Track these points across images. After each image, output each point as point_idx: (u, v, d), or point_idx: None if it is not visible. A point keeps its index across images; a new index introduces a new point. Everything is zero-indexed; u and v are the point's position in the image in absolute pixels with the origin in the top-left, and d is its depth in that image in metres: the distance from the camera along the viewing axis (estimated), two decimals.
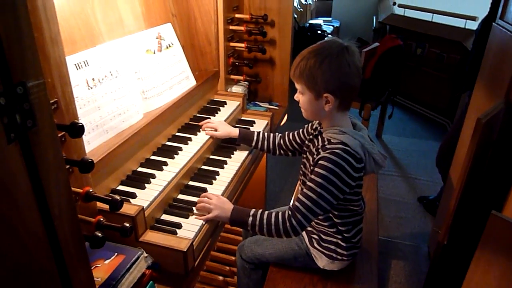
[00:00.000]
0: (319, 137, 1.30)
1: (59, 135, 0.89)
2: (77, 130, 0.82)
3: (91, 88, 1.18)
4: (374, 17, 5.13)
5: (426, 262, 2.33)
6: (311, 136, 1.37)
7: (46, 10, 0.83)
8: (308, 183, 1.19)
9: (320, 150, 1.24)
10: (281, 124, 2.19)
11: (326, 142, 1.23)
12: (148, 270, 1.05)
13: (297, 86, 1.24)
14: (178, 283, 1.11)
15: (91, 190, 0.93)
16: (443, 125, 3.97)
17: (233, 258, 2.06)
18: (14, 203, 0.48)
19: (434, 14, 3.92)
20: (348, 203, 1.29)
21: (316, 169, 1.19)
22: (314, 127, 1.40)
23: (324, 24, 5.32)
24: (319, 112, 1.24)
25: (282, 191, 3.02)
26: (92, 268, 0.96)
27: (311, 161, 1.27)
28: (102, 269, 0.97)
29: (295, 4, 4.94)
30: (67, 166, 0.90)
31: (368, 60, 3.21)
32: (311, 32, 4.70)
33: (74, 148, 0.93)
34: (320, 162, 1.18)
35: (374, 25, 4.97)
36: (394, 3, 4.46)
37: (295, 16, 4.74)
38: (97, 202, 1.05)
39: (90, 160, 0.86)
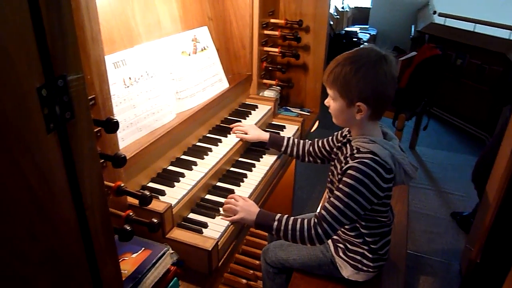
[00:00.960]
0: (348, 145, 1.28)
1: (95, 130, 0.92)
2: (112, 125, 0.86)
3: (128, 86, 1.22)
4: (413, 26, 5.01)
5: (457, 280, 2.24)
6: (339, 144, 1.35)
7: (89, 10, 0.87)
8: (335, 192, 1.18)
9: (348, 158, 1.22)
10: (312, 130, 2.17)
11: (355, 151, 1.22)
12: (173, 266, 1.06)
13: (329, 91, 1.23)
14: (201, 281, 1.13)
15: (122, 185, 0.96)
16: (481, 139, 3.82)
17: (258, 262, 2.06)
18: (49, 190, 0.50)
19: (477, 24, 3.78)
20: (376, 214, 1.26)
21: (344, 178, 1.17)
22: (343, 134, 1.38)
23: (360, 32, 5.26)
24: (350, 120, 1.23)
25: (310, 199, 2.99)
26: (119, 260, 1.00)
27: (338, 169, 1.26)
28: (129, 262, 1.00)
29: (332, 11, 4.91)
30: (101, 161, 0.94)
31: (404, 69, 3.14)
32: (346, 39, 4.66)
33: (109, 143, 0.97)
34: (349, 171, 1.17)
35: (412, 34, 4.85)
36: (435, 12, 4.34)
37: (331, 22, 4.71)
38: (128, 197, 1.08)
39: (123, 156, 0.89)
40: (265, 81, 1.99)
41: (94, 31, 0.88)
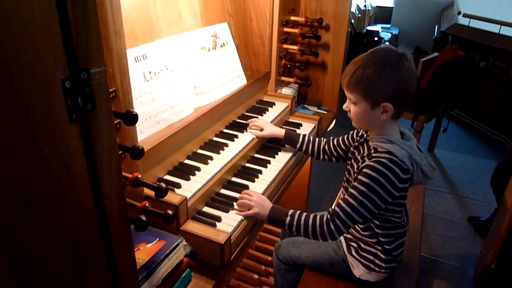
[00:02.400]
0: (365, 144, 1.28)
1: (115, 122, 0.95)
2: (132, 118, 0.88)
3: (148, 80, 1.25)
4: (436, 26, 4.92)
5: (471, 286, 2.21)
6: (356, 143, 1.35)
7: (112, 5, 0.89)
8: (350, 189, 1.18)
9: (365, 158, 1.22)
10: (328, 129, 2.17)
11: (372, 151, 1.21)
12: (186, 258, 1.09)
13: (349, 95, 1.22)
14: (213, 274, 1.15)
15: (139, 176, 0.98)
16: (502, 143, 3.73)
17: (270, 258, 2.07)
18: (70, 177, 0.52)
19: (502, 26, 3.69)
20: (390, 213, 1.26)
21: (359, 176, 1.17)
22: (360, 134, 1.38)
23: (382, 31, 5.19)
24: (373, 121, 1.21)
25: (324, 197, 2.98)
26: (134, 249, 1.02)
27: (355, 169, 1.26)
28: (143, 252, 1.02)
29: (353, 10, 4.86)
30: (120, 152, 0.96)
31: (425, 70, 3.10)
32: (367, 39, 4.61)
33: (128, 135, 0.99)
34: (365, 170, 1.16)
35: (435, 35, 4.76)
36: (459, 13, 4.24)
37: (352, 21, 4.67)
38: (144, 189, 1.11)
39: (141, 148, 0.92)
40: (283, 78, 2.00)
41: (117, 26, 0.91)
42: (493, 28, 3.78)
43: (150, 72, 1.26)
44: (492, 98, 3.81)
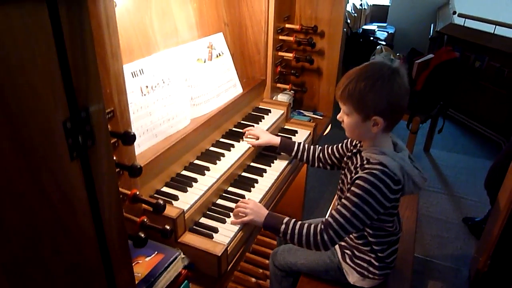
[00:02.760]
0: (358, 155, 1.31)
1: (112, 141, 0.97)
2: (129, 138, 0.90)
3: (145, 95, 1.27)
4: (432, 25, 4.95)
5: (465, 286, 2.25)
6: (349, 154, 1.38)
7: (109, 27, 0.91)
8: (343, 200, 1.21)
9: (358, 169, 1.25)
10: (325, 133, 2.20)
11: (365, 162, 1.24)
12: (184, 270, 1.11)
13: (343, 107, 1.25)
14: (211, 284, 1.18)
15: (137, 193, 1.01)
16: (498, 143, 3.77)
17: (267, 261, 2.11)
18: (72, 209, 0.55)
19: (497, 26, 3.71)
20: (382, 223, 1.29)
21: (352, 188, 1.20)
22: (354, 143, 1.41)
23: (378, 30, 5.21)
24: (365, 133, 1.25)
25: (321, 198, 3.02)
26: (134, 263, 1.05)
27: (349, 179, 1.29)
28: (142, 265, 1.05)
29: (349, 9, 4.87)
30: (117, 170, 0.99)
31: (420, 72, 3.12)
32: (363, 39, 4.63)
33: (126, 153, 1.02)
34: (357, 181, 1.19)
35: (431, 34, 4.79)
36: (454, 13, 4.27)
37: (348, 21, 4.68)
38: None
39: (139, 166, 0.94)
40: (279, 85, 2.02)
41: (113, 47, 0.93)
42: (488, 28, 3.81)
43: (147, 87, 1.28)
44: (487, 98, 3.84)
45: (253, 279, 2.04)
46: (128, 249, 0.71)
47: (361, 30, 4.97)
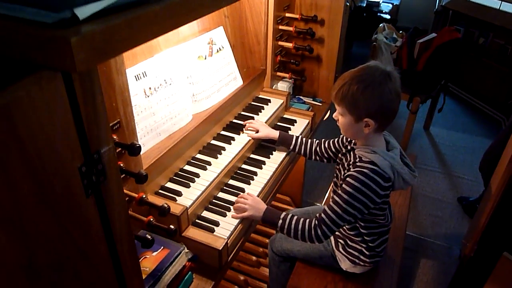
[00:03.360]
0: (352, 153, 1.38)
1: (118, 150, 1.04)
2: (135, 150, 0.98)
3: (148, 96, 1.33)
4: None
5: (456, 264, 2.37)
6: (344, 150, 1.44)
7: None
8: (335, 197, 1.29)
9: (351, 166, 1.33)
10: (324, 118, 2.25)
11: (358, 159, 1.31)
12: (188, 262, 1.22)
13: (337, 107, 1.31)
14: (213, 274, 1.28)
15: (144, 196, 1.09)
16: (498, 121, 3.80)
17: (267, 240, 2.23)
18: (89, 238, 0.63)
19: (503, 2, 3.66)
20: (373, 216, 1.38)
21: (344, 185, 1.28)
22: (349, 140, 1.47)
23: (383, 2, 5.12)
24: (358, 133, 1.31)
25: (321, 178, 3.11)
26: (142, 258, 1.16)
27: (342, 175, 1.36)
28: (150, 260, 1.15)
29: None
30: (123, 176, 1.07)
31: (422, 52, 3.12)
32: (367, 13, 4.57)
33: (132, 160, 1.09)
34: (348, 179, 1.27)
35: (436, 7, 4.71)
36: None
37: None
38: None
39: (145, 174, 1.02)
40: (278, 73, 2.06)
41: (118, 64, 0.98)
42: (494, 4, 3.75)
43: (150, 88, 1.34)
44: (490, 75, 3.84)
45: (254, 258, 2.17)
46: (138, 262, 0.80)
47: (365, 3, 4.89)
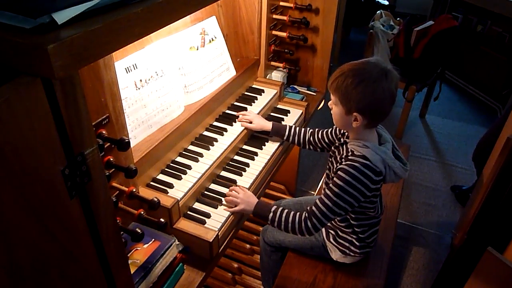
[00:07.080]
0: (344, 146, 1.38)
1: (107, 145, 1.04)
2: (124, 145, 0.98)
3: (139, 88, 1.32)
4: None
5: (447, 253, 2.40)
6: (337, 143, 1.45)
7: None
8: (326, 190, 1.30)
9: (343, 159, 1.33)
10: (318, 108, 2.25)
11: (350, 153, 1.32)
12: (179, 254, 1.23)
13: (332, 97, 1.31)
14: (204, 265, 1.30)
15: (134, 190, 1.10)
16: (493, 109, 3.81)
17: (261, 228, 2.25)
18: (74, 239, 0.64)
19: None
20: (363, 209, 1.39)
21: (335, 178, 1.29)
22: (342, 132, 1.47)
23: None
24: (348, 125, 1.32)
25: (315, 166, 3.12)
26: (133, 250, 1.17)
27: (334, 168, 1.37)
28: (141, 252, 1.16)
29: None
30: (112, 170, 1.07)
31: (419, 40, 3.10)
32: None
33: (123, 154, 1.09)
34: (339, 172, 1.28)
35: None
36: None
37: None
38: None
39: (134, 168, 1.03)
40: (272, 63, 2.05)
41: (106, 59, 0.98)
42: None
43: (141, 80, 1.33)
44: (487, 63, 3.83)
45: (248, 245, 2.20)
46: (127, 262, 0.81)
47: None
